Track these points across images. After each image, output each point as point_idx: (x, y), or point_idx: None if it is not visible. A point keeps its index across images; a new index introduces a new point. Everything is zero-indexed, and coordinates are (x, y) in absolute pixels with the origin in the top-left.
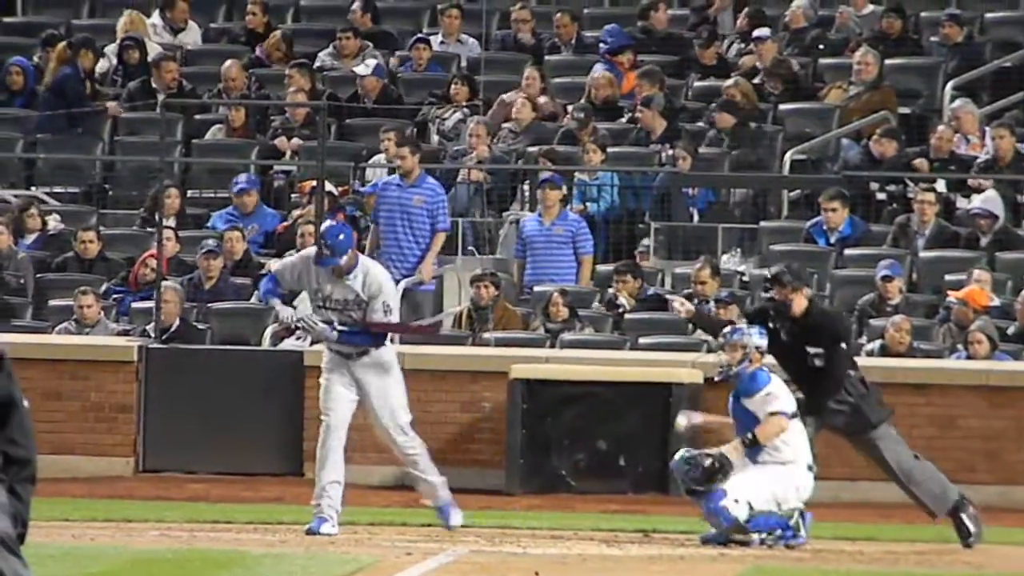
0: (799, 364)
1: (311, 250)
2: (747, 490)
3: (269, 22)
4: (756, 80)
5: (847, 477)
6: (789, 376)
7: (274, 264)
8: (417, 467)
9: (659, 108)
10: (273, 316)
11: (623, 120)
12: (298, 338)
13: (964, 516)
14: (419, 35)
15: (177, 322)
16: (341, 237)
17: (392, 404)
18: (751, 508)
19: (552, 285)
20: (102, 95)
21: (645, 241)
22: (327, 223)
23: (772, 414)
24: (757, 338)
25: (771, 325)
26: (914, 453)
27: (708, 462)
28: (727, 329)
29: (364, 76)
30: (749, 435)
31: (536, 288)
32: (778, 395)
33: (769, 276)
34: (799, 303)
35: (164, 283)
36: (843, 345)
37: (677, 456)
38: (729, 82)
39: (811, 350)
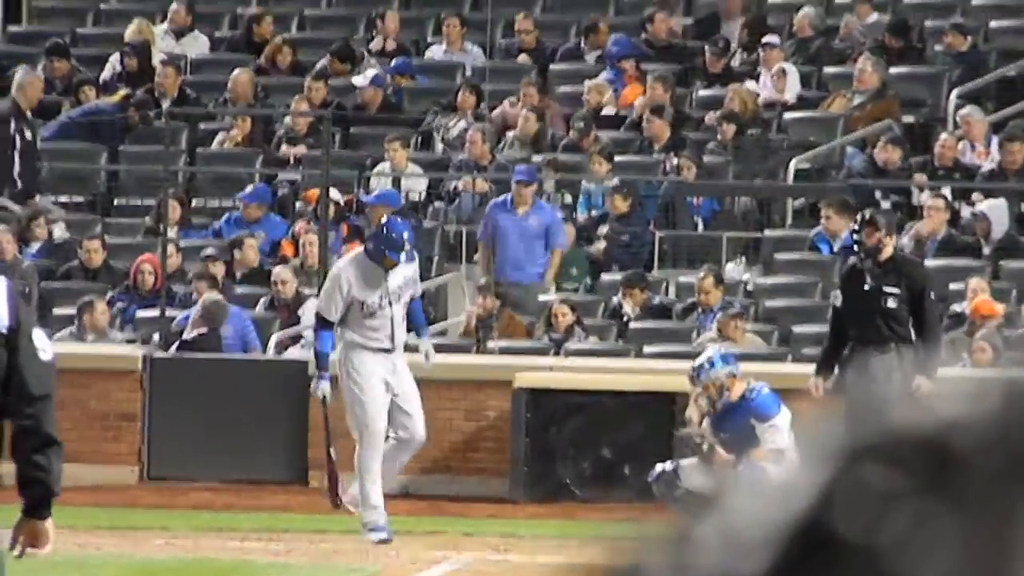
0: (876, 305)
1: (342, 266)
2: None
3: (274, 32)
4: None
5: None
6: (857, 320)
7: (319, 306)
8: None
9: (669, 119)
10: (315, 387)
11: (623, 129)
12: (303, 346)
13: None
14: (401, 59)
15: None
16: (407, 233)
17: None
18: None
19: (522, 278)
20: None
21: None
22: (392, 220)
23: (774, 450)
24: (721, 366)
25: (857, 267)
26: None
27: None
28: (693, 373)
29: (362, 87)
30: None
31: (502, 280)
32: (781, 428)
33: (866, 217)
34: (888, 248)
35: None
36: (931, 293)
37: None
38: (730, 89)
39: (888, 290)
